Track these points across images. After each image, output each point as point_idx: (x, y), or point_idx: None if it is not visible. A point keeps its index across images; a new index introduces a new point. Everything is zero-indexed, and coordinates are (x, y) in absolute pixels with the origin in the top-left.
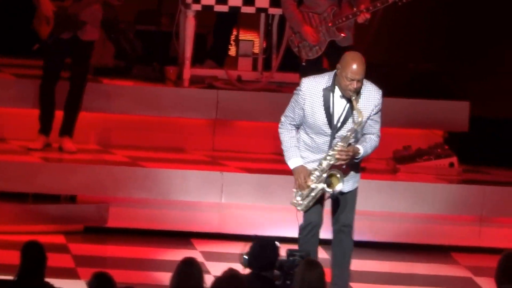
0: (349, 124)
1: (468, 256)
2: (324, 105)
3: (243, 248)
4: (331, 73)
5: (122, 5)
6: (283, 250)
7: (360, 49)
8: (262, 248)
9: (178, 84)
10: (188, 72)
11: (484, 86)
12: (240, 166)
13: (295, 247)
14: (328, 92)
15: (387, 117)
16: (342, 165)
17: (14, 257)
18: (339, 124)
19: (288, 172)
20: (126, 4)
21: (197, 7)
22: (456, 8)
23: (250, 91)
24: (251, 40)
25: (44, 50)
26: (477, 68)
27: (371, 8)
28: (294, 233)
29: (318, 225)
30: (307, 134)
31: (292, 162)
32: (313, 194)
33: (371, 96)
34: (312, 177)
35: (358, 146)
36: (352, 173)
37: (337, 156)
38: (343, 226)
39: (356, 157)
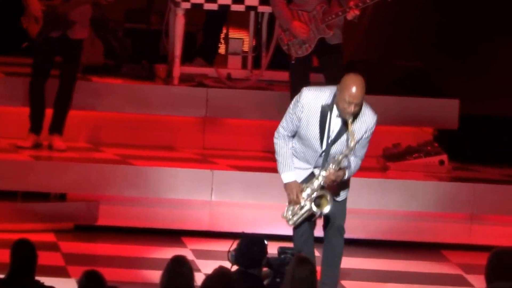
0: (339, 144)
1: (458, 253)
2: (320, 121)
3: (231, 245)
4: (333, 89)
5: (111, 3)
6: (274, 248)
7: (350, 46)
8: (249, 245)
9: (167, 82)
10: (177, 70)
11: (474, 83)
12: (230, 164)
13: (286, 244)
14: (326, 109)
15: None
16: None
17: (4, 256)
18: (329, 142)
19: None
20: (115, 2)
21: (186, 5)
22: (446, 5)
23: (240, 89)
24: (241, 38)
25: (33, 48)
26: (467, 66)
27: (360, 4)
28: (285, 231)
29: (309, 233)
30: (298, 142)
31: (286, 176)
32: (301, 211)
33: (366, 120)
34: (303, 194)
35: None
36: (343, 186)
37: (325, 181)
38: (335, 229)
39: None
